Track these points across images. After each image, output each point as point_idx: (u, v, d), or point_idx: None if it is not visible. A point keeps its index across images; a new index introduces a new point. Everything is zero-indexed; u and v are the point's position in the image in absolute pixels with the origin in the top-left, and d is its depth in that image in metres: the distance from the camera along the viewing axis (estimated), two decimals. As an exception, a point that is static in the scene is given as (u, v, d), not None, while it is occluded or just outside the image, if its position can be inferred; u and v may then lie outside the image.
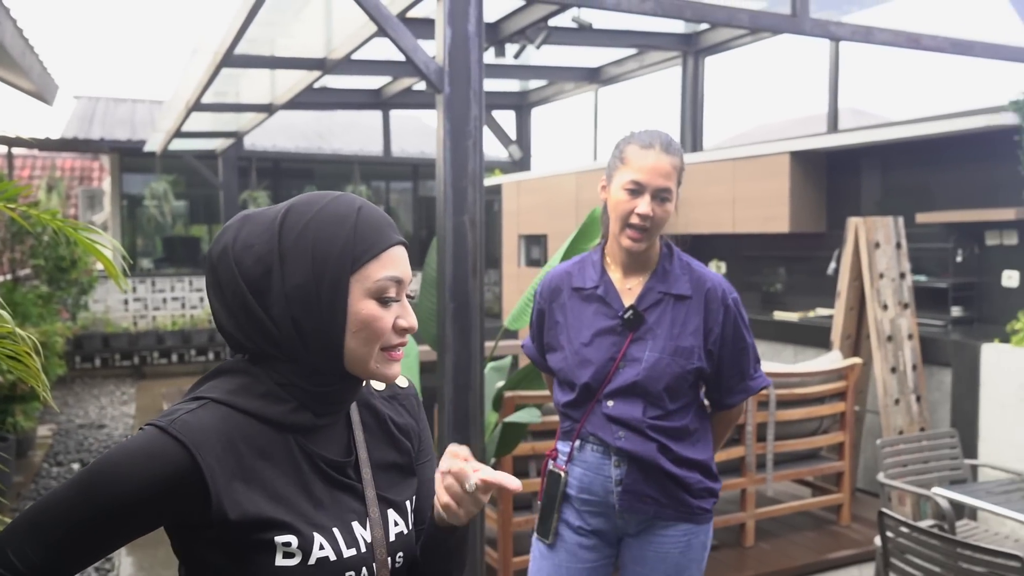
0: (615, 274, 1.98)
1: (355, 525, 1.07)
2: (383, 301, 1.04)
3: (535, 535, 2.06)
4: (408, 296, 1.09)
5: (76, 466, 5.92)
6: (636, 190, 1.85)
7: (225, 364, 1.07)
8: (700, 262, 2.02)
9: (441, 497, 1.05)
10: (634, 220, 1.86)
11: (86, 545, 0.97)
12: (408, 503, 1.15)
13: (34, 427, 5.80)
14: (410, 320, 1.07)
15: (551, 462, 2.03)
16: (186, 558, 1.04)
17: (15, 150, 10.07)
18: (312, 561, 1.02)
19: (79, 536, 0.96)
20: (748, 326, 1.99)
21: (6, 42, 5.64)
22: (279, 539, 1.00)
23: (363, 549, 1.06)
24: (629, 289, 1.95)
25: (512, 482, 1.01)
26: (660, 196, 1.85)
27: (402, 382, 1.22)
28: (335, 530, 1.04)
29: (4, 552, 0.96)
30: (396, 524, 1.12)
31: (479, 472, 1.02)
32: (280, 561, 1.00)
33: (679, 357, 1.90)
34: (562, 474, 1.96)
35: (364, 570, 1.06)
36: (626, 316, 1.91)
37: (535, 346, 2.11)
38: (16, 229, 6.15)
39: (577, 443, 1.96)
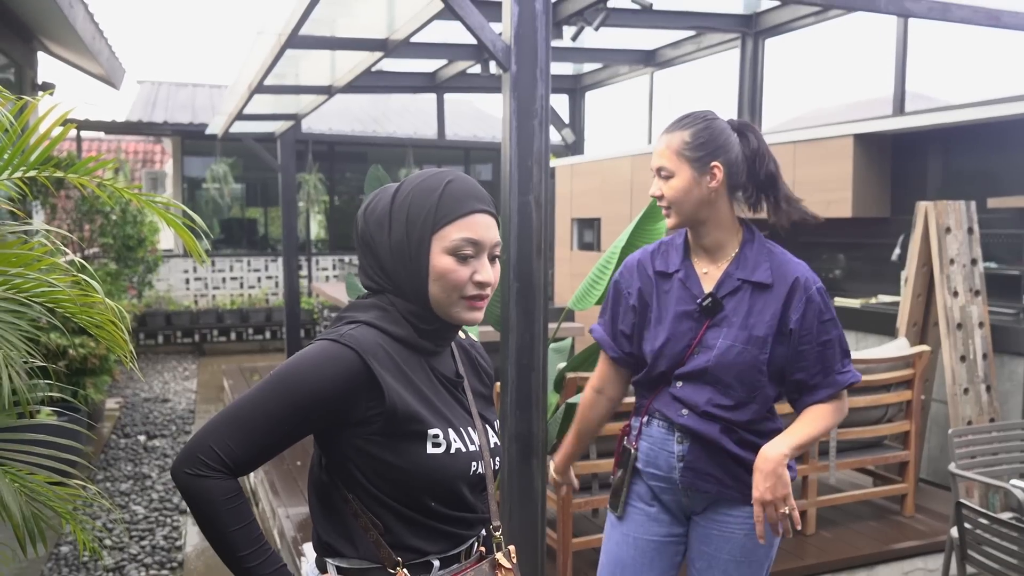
0: (698, 259, 1.97)
1: (468, 429, 1.31)
2: (461, 258, 1.23)
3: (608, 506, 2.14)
4: (497, 256, 1.27)
5: (142, 438, 6.11)
6: (655, 174, 1.96)
7: (357, 301, 1.31)
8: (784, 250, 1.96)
9: None
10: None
11: (278, 436, 1.19)
12: (496, 423, 1.41)
13: (103, 400, 5.97)
14: (485, 275, 1.25)
15: (625, 438, 2.09)
16: (347, 454, 1.23)
17: (83, 133, 10.37)
18: (452, 451, 1.26)
19: (273, 428, 1.18)
20: (835, 317, 1.90)
21: (78, 26, 5.78)
22: (430, 431, 1.24)
23: (476, 448, 1.31)
24: (706, 274, 1.93)
25: None
26: (661, 175, 1.92)
27: (473, 335, 1.44)
28: (461, 429, 1.29)
29: (208, 446, 1.17)
30: (492, 436, 1.37)
31: None
32: (430, 450, 1.23)
33: (751, 346, 1.85)
34: (632, 450, 2.03)
35: (480, 463, 1.31)
36: (704, 303, 1.89)
37: (608, 332, 2.08)
38: (86, 208, 6.30)
39: (645, 419, 2.00)
